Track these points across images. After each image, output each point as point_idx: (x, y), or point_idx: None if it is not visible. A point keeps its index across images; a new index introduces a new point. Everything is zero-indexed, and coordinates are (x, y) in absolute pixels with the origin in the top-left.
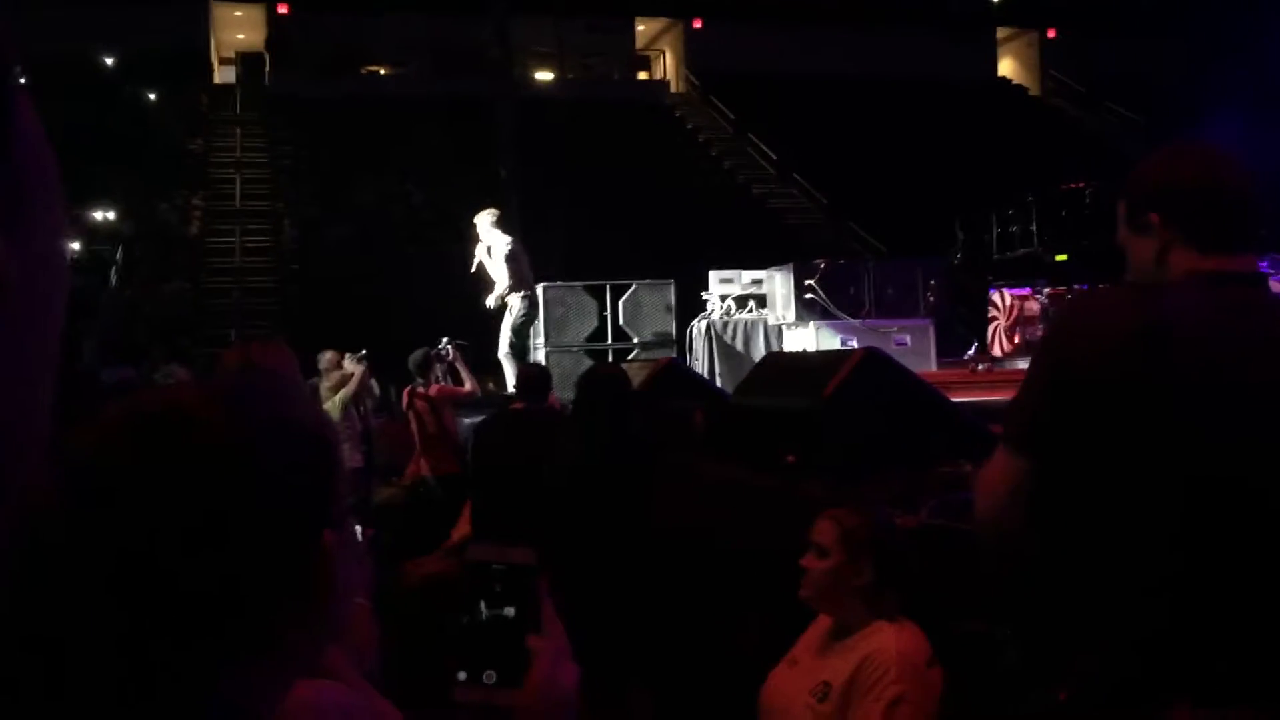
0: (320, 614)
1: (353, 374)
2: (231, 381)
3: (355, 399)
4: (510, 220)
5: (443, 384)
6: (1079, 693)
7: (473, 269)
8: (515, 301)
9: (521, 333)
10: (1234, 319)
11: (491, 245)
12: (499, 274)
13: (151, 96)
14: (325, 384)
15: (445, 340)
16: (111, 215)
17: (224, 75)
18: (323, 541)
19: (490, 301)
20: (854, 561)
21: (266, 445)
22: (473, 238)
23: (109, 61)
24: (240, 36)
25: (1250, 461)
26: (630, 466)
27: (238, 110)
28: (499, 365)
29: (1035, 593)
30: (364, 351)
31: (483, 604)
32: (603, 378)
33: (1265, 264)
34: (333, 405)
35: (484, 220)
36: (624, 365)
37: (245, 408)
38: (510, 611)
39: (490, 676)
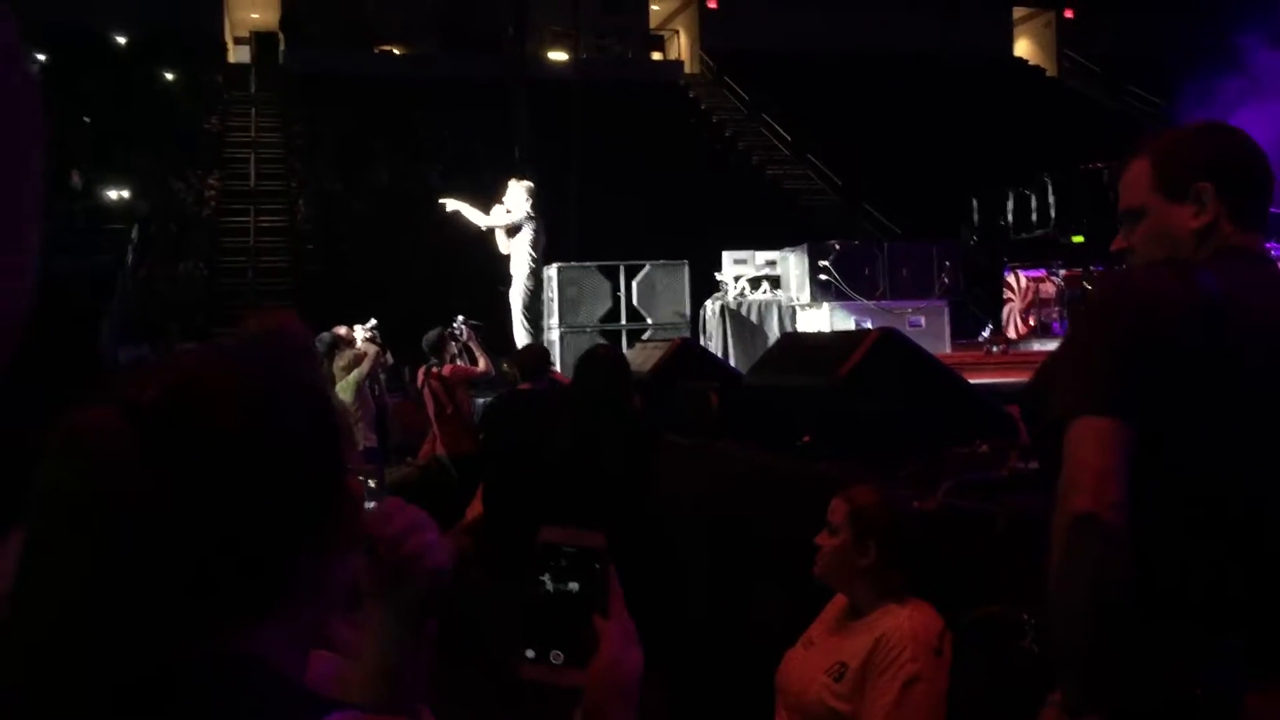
0: (344, 559)
1: (364, 353)
2: (243, 348)
3: (368, 378)
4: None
5: (456, 364)
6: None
7: (473, 219)
8: (522, 282)
9: (532, 311)
10: (1273, 295)
11: (520, 221)
12: (517, 249)
13: (167, 76)
14: (338, 363)
15: (460, 320)
16: (127, 194)
17: (238, 54)
18: (347, 487)
19: (454, 205)
20: (860, 541)
21: (290, 402)
22: (497, 197)
23: (123, 41)
24: (254, 16)
25: None
26: (626, 447)
27: (252, 90)
28: (515, 347)
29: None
30: (373, 322)
31: (550, 584)
32: (598, 359)
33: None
34: (345, 385)
35: (520, 191)
36: (638, 345)
37: (262, 366)
38: (577, 592)
39: (557, 656)
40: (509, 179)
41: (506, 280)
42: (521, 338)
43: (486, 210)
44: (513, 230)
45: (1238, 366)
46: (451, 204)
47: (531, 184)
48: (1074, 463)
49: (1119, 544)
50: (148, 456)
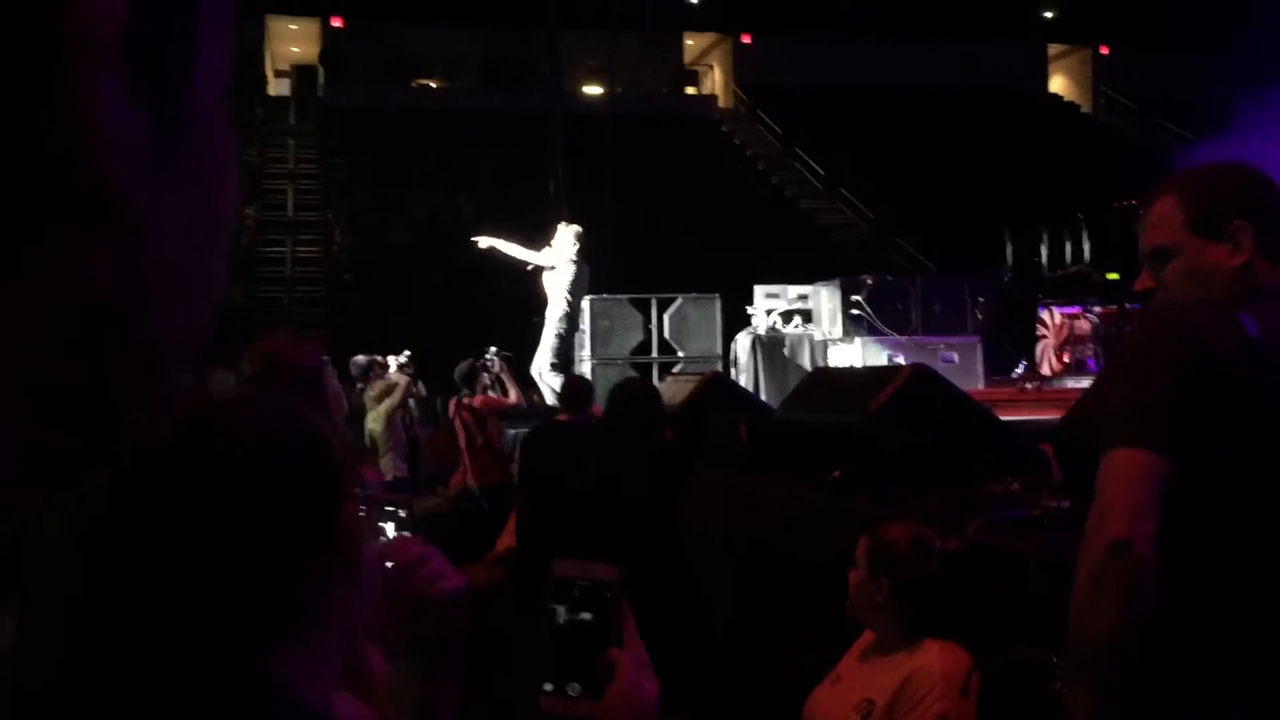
0: (351, 585)
1: (395, 384)
2: (243, 394)
3: (400, 408)
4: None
5: (488, 395)
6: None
7: (529, 267)
8: (555, 322)
9: (562, 349)
10: None
11: (567, 264)
12: (555, 290)
13: None
14: (369, 393)
15: (492, 351)
16: None
17: (278, 87)
18: (346, 513)
19: (486, 243)
20: (874, 577)
21: (286, 443)
22: (544, 238)
23: None
24: (294, 49)
25: None
26: (656, 478)
27: (291, 122)
28: (531, 381)
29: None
30: (408, 354)
31: (566, 617)
32: (630, 391)
33: None
34: (376, 415)
35: (567, 235)
36: (669, 378)
37: (260, 413)
38: (592, 625)
39: (574, 688)
40: (554, 220)
41: (542, 315)
42: (547, 375)
43: (532, 248)
44: (551, 269)
45: (1271, 408)
46: (484, 241)
47: (579, 229)
48: (1110, 492)
49: (1149, 576)
50: (143, 496)
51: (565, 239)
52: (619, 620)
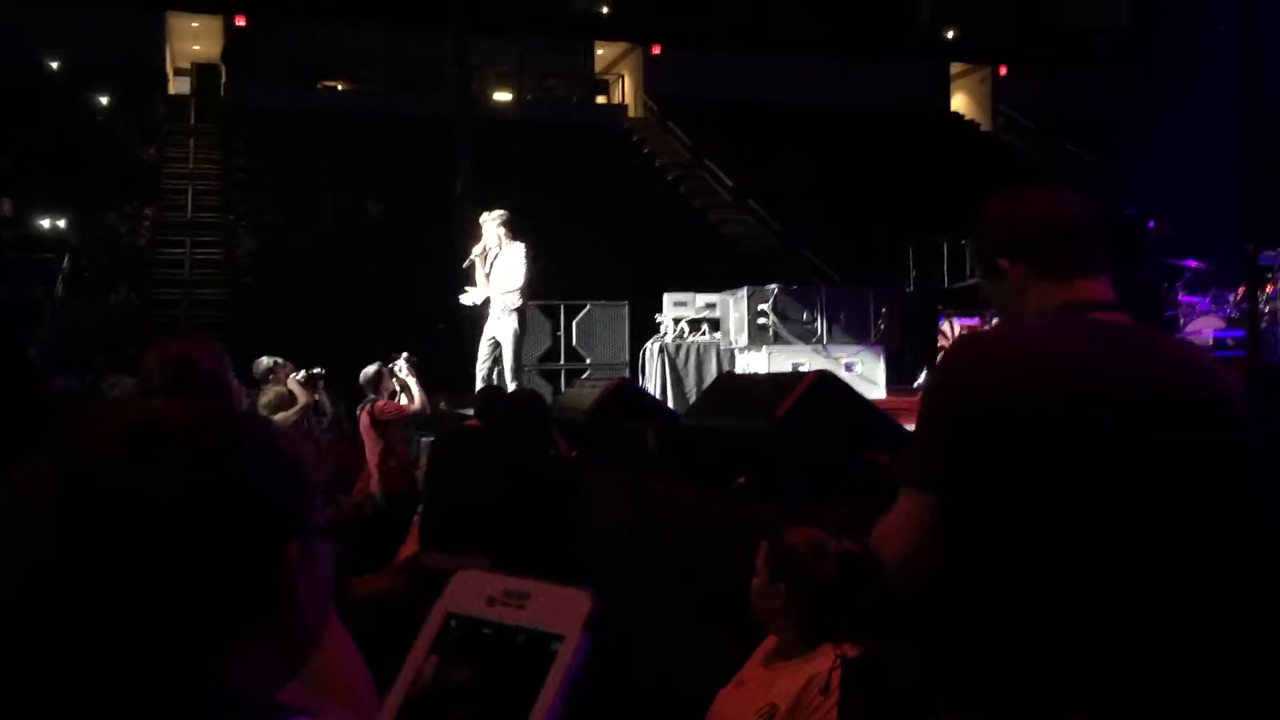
0: (285, 623)
1: (291, 392)
2: (215, 404)
3: (298, 414)
4: (466, 238)
5: (389, 401)
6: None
7: (464, 264)
8: (516, 316)
9: (519, 350)
10: (1095, 347)
11: (504, 249)
12: (509, 278)
13: (105, 105)
14: (262, 399)
15: (402, 355)
16: (60, 224)
17: (178, 86)
18: (288, 553)
19: (475, 298)
20: (772, 582)
21: (247, 461)
22: (472, 238)
23: (62, 68)
24: (196, 47)
25: (1124, 484)
26: (547, 487)
27: (192, 121)
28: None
29: (933, 614)
30: (319, 370)
31: None
32: (516, 402)
33: (1207, 301)
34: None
35: (493, 221)
36: (576, 384)
37: (229, 428)
38: None
39: None
40: (493, 210)
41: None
42: (515, 379)
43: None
44: (492, 264)
45: (1052, 432)
46: (468, 298)
47: (503, 212)
48: (890, 526)
49: (914, 587)
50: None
51: (494, 225)
52: None
